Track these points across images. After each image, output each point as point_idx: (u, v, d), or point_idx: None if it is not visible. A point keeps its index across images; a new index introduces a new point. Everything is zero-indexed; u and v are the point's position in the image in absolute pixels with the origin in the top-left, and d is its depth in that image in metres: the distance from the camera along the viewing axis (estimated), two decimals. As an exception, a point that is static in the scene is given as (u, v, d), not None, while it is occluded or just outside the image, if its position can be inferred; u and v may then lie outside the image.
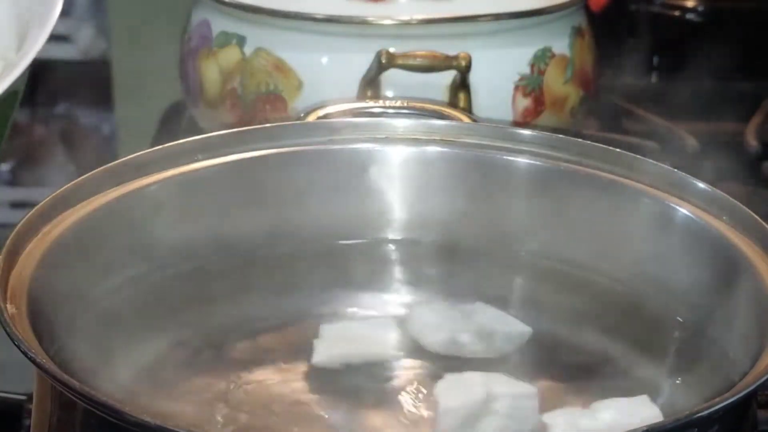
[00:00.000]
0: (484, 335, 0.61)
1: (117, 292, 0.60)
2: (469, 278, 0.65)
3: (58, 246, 0.57)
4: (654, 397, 0.56)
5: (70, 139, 1.84)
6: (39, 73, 1.07)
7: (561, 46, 0.91)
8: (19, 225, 0.56)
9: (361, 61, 0.83)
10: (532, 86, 0.89)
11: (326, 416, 0.56)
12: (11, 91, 0.57)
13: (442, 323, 0.62)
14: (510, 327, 0.61)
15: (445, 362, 0.60)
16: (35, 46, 0.58)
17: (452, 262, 0.66)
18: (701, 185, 0.62)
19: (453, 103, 0.81)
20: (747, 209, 0.60)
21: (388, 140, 0.67)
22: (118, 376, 0.57)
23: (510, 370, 0.58)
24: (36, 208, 0.58)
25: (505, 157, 0.66)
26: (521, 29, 0.89)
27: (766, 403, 0.58)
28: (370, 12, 0.86)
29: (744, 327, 0.56)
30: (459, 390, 0.56)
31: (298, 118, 0.73)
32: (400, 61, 0.80)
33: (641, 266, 0.62)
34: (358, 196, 0.67)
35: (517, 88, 0.89)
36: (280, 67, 0.88)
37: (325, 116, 0.71)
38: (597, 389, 0.57)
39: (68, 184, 0.60)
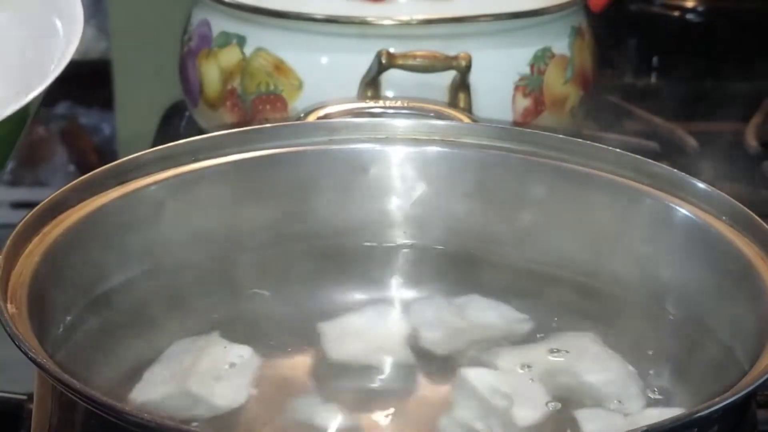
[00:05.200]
0: (481, 328, 0.61)
1: (117, 292, 0.60)
2: (468, 277, 0.65)
3: (58, 246, 0.57)
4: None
5: (70, 139, 1.84)
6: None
7: (561, 46, 0.91)
8: (19, 225, 0.56)
9: (361, 61, 0.83)
10: (532, 86, 0.89)
11: (329, 411, 0.56)
12: (21, 111, 0.57)
13: (440, 319, 0.62)
14: (506, 317, 0.62)
15: (444, 358, 0.60)
16: (46, 81, 0.57)
17: (452, 261, 0.66)
18: (701, 185, 0.62)
19: (453, 103, 0.81)
20: (747, 209, 0.60)
21: (388, 140, 0.67)
22: (119, 376, 0.57)
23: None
24: (36, 208, 0.58)
25: (505, 157, 0.66)
26: (521, 29, 0.89)
27: (766, 403, 0.58)
28: (370, 12, 0.86)
29: (744, 327, 0.56)
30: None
31: (298, 118, 0.73)
32: (400, 62, 0.80)
33: (641, 266, 0.62)
34: (359, 196, 0.67)
35: (517, 88, 0.89)
36: (280, 67, 0.88)
37: (325, 116, 0.72)
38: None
39: (68, 184, 0.60)
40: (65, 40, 0.61)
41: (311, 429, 0.55)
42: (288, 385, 0.58)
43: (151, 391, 0.56)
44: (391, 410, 0.58)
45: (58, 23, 0.62)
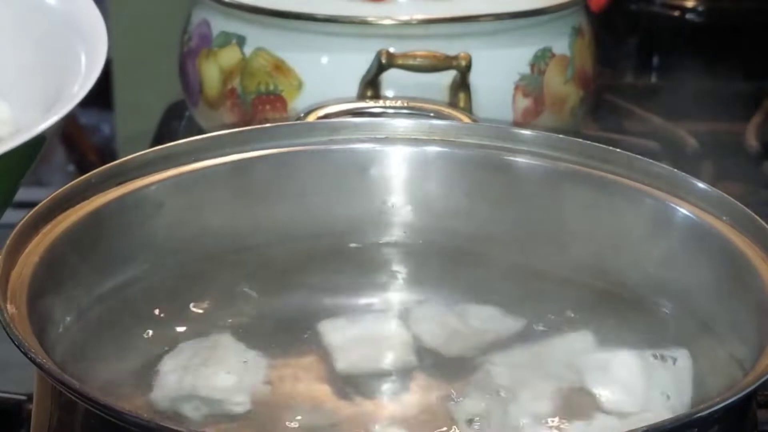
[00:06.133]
0: (482, 329, 0.61)
1: (117, 292, 0.60)
2: (468, 278, 0.65)
3: (58, 246, 0.57)
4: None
5: (70, 139, 1.84)
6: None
7: (561, 46, 0.91)
8: (19, 225, 0.56)
9: (361, 61, 0.83)
10: (532, 86, 0.89)
11: (332, 412, 0.56)
12: (36, 137, 0.56)
13: (442, 321, 0.62)
14: (506, 318, 0.62)
15: (446, 359, 0.60)
16: (53, 117, 0.57)
17: (451, 261, 0.66)
18: (701, 185, 0.62)
19: (453, 103, 0.81)
20: (747, 209, 0.60)
21: (388, 140, 0.67)
22: (119, 376, 0.57)
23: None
24: (36, 208, 0.58)
25: (505, 157, 0.66)
26: (521, 29, 0.89)
27: (766, 403, 0.58)
28: (370, 12, 0.86)
29: (744, 327, 0.56)
30: None
31: (298, 118, 0.73)
32: (400, 61, 0.80)
33: (641, 266, 0.62)
34: (358, 196, 0.67)
35: (517, 88, 0.89)
36: (280, 67, 0.88)
37: (325, 116, 0.72)
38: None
39: (68, 184, 0.60)
40: (87, 67, 0.61)
41: (316, 430, 0.55)
42: (291, 388, 0.58)
43: (152, 392, 0.56)
44: (395, 412, 0.58)
45: (81, 50, 0.62)
